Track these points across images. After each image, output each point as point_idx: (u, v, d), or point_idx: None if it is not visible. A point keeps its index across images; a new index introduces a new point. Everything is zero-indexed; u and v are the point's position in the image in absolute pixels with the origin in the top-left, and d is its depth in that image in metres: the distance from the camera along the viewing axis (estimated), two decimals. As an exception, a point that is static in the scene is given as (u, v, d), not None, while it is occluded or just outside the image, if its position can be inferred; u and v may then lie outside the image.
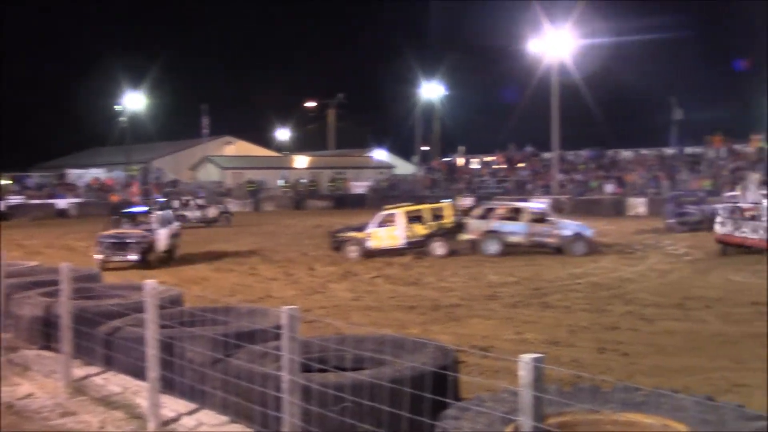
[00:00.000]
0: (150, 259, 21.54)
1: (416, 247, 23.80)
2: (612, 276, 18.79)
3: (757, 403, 8.16)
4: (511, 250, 23.72)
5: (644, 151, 55.45)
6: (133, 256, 21.26)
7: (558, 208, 46.12)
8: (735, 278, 18.07)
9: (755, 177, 33.79)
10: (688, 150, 53.26)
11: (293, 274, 20.10)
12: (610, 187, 49.49)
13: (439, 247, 23.58)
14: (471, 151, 69.07)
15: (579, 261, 21.88)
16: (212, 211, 40.64)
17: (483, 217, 24.45)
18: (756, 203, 24.26)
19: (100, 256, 21.23)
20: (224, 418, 6.16)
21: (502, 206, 25.55)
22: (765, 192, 29.61)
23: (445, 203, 25.84)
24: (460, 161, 67.13)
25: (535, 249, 23.68)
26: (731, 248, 22.47)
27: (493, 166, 61.81)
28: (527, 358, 3.76)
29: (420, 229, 23.76)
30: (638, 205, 44.48)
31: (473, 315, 13.84)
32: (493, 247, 23.61)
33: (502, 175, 59.11)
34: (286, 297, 16.12)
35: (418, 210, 24.78)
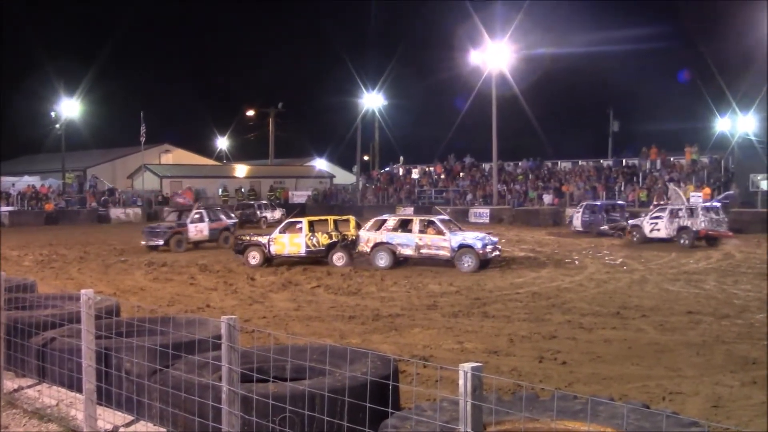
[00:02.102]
0: (172, 244, 29.13)
1: (317, 256, 24.11)
2: (551, 286, 19.00)
3: (691, 410, 8.33)
4: (408, 262, 23.38)
5: (582, 162, 56.25)
6: (159, 241, 29.21)
7: (498, 218, 46.88)
8: (671, 288, 18.43)
9: (673, 187, 38.65)
10: (626, 161, 54.16)
11: (233, 283, 19.93)
12: (548, 198, 50.10)
13: (338, 258, 23.74)
14: (411, 161, 69.43)
15: (520, 271, 22.10)
16: (277, 213, 48.26)
17: (376, 228, 23.73)
18: (688, 207, 30.26)
19: (143, 242, 29.43)
20: (162, 430, 6.07)
21: (394, 217, 24.95)
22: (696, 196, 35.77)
23: (349, 217, 26.09)
24: (400, 171, 67.36)
25: (427, 261, 23.03)
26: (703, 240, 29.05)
27: (433, 177, 62.11)
28: (466, 367, 3.78)
29: (322, 239, 24.01)
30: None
31: (414, 325, 13.87)
32: (383, 260, 23.00)
33: (442, 185, 59.47)
34: (226, 307, 15.98)
35: (322, 220, 25.45)
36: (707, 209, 29.81)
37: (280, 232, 24.44)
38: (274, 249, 24.11)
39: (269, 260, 24.15)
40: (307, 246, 23.94)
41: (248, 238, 25.04)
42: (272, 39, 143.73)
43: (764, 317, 14.31)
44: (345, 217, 26.00)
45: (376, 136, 73.15)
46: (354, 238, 23.89)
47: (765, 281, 19.10)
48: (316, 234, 24.10)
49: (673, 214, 29.91)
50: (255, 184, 68.54)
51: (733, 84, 51.44)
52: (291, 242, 24.10)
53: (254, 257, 24.14)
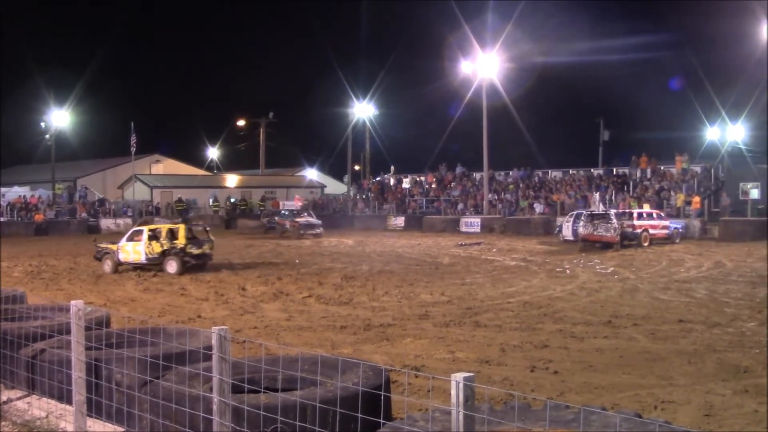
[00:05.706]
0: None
1: (155, 264, 24.84)
2: (542, 295, 18.99)
3: (683, 419, 8.33)
4: None
5: (572, 172, 56.31)
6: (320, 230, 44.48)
7: (489, 228, 46.92)
8: (662, 296, 18.44)
9: (596, 195, 42.26)
10: (617, 170, 54.23)
11: (224, 294, 19.86)
12: (539, 207, 50.13)
13: (170, 266, 24.38)
14: (402, 171, 69.47)
15: (512, 281, 22.08)
16: None
17: None
18: (604, 212, 34.39)
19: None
20: (152, 442, 6.03)
21: None
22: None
23: (180, 225, 26.49)
24: (392, 181, 67.37)
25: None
26: (587, 244, 32.57)
27: (425, 186, 62.15)
28: (458, 377, 3.76)
29: (156, 247, 24.72)
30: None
31: (406, 334, 13.84)
32: None
33: (433, 194, 59.49)
34: (217, 317, 15.94)
35: (157, 229, 25.82)
36: (591, 217, 33.74)
37: (126, 240, 25.30)
38: (122, 256, 25.14)
39: (120, 267, 25.17)
40: (146, 254, 24.79)
41: (104, 246, 25.89)
42: (263, 49, 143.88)
43: (755, 325, 14.34)
44: (176, 226, 26.30)
45: (367, 146, 73.17)
46: (183, 246, 24.49)
47: (756, 289, 19.14)
48: (151, 242, 24.80)
49: (574, 219, 35.32)
50: (246, 194, 68.48)
51: (723, 93, 51.71)
52: (134, 250, 25.01)
53: (108, 264, 25.24)
